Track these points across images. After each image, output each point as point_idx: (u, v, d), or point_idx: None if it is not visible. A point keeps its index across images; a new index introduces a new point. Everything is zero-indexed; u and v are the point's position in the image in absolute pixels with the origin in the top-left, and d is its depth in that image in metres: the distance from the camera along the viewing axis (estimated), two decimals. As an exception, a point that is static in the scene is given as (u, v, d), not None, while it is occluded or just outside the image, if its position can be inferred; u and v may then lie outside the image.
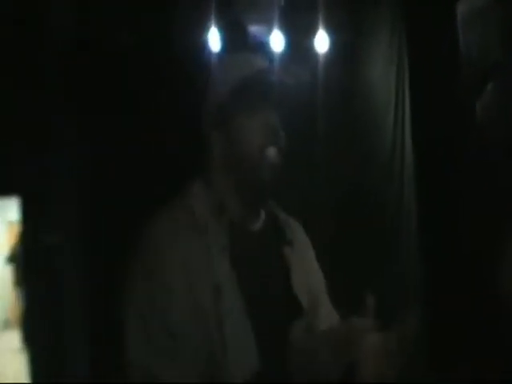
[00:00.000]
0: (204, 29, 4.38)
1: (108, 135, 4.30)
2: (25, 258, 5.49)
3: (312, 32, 4.61)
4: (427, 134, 4.68)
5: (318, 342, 1.23)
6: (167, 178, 2.98)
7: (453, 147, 4.48)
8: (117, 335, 1.28)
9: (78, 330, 4.08)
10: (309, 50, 4.69)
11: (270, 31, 4.60)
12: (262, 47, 4.65)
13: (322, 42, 4.64)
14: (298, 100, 4.96)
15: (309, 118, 4.76)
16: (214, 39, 4.45)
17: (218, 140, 1.34)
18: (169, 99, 4.23)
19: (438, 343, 4.52)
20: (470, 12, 4.22)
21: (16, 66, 4.36)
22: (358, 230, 4.88)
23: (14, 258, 8.33)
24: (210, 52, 4.47)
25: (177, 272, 1.23)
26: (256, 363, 1.21)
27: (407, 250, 4.92)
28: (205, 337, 1.20)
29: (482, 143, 3.74)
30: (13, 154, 4.68)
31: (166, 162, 4.03)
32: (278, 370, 1.24)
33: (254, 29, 4.70)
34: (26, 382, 4.75)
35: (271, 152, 1.33)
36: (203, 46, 4.40)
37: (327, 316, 1.44)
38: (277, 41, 4.59)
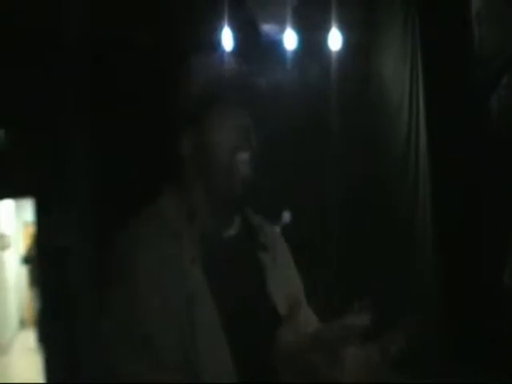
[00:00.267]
0: (217, 28, 4.39)
1: (119, 137, 4.32)
2: (39, 258, 5.53)
3: (325, 30, 4.60)
4: (441, 128, 4.65)
5: (307, 343, 1.19)
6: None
7: (467, 141, 4.46)
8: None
9: (91, 330, 4.07)
10: (322, 48, 4.68)
11: (283, 30, 4.59)
12: (275, 46, 4.64)
13: (335, 40, 4.63)
14: (312, 97, 4.95)
15: (323, 114, 4.75)
16: (227, 39, 4.45)
17: (188, 144, 1.28)
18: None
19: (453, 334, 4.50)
20: (485, 7, 4.20)
21: (30, 69, 4.40)
22: (373, 222, 4.87)
23: (29, 259, 8.41)
24: (223, 52, 4.47)
25: (148, 282, 1.19)
26: (232, 373, 1.18)
27: (422, 243, 4.91)
28: (179, 347, 1.17)
29: (496, 136, 3.72)
30: (28, 157, 4.72)
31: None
32: (257, 378, 1.23)
33: (267, 28, 4.70)
34: (41, 380, 4.78)
35: (243, 157, 1.26)
36: (216, 45, 4.41)
37: (307, 322, 1.36)
38: (290, 39, 4.59)
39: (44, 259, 5.00)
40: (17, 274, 9.91)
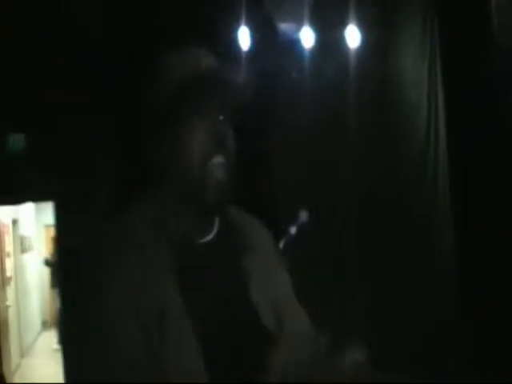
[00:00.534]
0: (235, 27, 4.39)
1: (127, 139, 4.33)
2: (60, 260, 5.57)
3: (343, 28, 4.58)
4: (461, 124, 4.62)
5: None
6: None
7: (487, 136, 4.42)
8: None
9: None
10: (339, 46, 4.66)
11: (300, 28, 4.58)
12: (293, 45, 4.63)
13: (352, 38, 4.60)
14: (330, 95, 4.91)
15: (341, 113, 4.73)
16: (244, 37, 4.44)
17: (160, 148, 1.20)
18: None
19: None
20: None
21: (48, 73, 4.44)
22: (393, 219, 4.85)
23: (50, 261, 8.49)
24: (241, 51, 4.47)
25: (117, 295, 1.13)
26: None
27: (441, 240, 4.87)
28: (150, 366, 1.11)
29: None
30: (48, 160, 4.76)
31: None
32: None
33: (285, 26, 4.68)
34: (63, 381, 4.81)
35: (217, 162, 1.17)
36: (234, 44, 4.41)
37: (295, 325, 1.28)
38: (307, 37, 4.57)
39: (65, 261, 5.04)
40: (39, 276, 10.01)
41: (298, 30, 4.59)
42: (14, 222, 7.99)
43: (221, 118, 1.19)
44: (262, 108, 4.86)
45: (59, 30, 4.40)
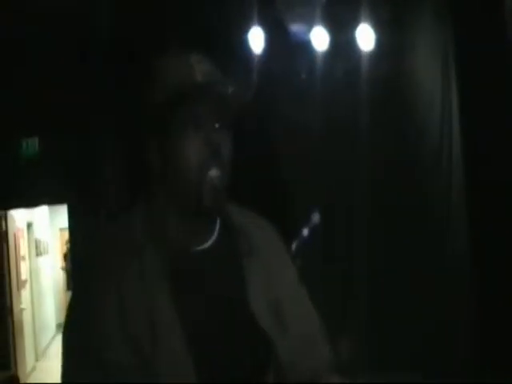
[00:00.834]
0: (246, 28, 4.38)
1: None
2: (74, 263, 5.59)
3: (355, 28, 4.56)
4: (475, 122, 4.58)
5: None
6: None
7: (502, 134, 4.38)
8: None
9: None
10: (352, 46, 4.64)
11: (312, 28, 4.56)
12: (305, 45, 4.62)
13: (365, 38, 4.58)
14: (343, 95, 4.88)
15: (354, 112, 4.71)
16: (256, 39, 4.44)
17: (156, 155, 1.18)
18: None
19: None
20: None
21: (62, 78, 4.46)
22: (407, 220, 4.83)
23: (66, 264, 8.53)
24: (252, 52, 4.46)
25: (110, 302, 1.12)
26: None
27: (456, 238, 4.84)
28: (140, 376, 1.09)
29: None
30: (62, 164, 4.78)
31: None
32: None
33: (296, 27, 4.67)
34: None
35: (213, 174, 1.15)
36: (245, 45, 4.41)
37: (299, 328, 1.25)
38: (319, 38, 4.55)
39: (79, 263, 5.05)
40: (53, 279, 10.06)
41: (310, 30, 4.58)
42: (29, 225, 8.03)
43: (216, 126, 1.16)
44: (274, 108, 4.86)
45: (65, 33, 4.42)
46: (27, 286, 7.17)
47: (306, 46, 4.64)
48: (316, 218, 3.36)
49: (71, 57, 4.44)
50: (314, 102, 4.68)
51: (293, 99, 4.72)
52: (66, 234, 6.60)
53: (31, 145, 5.04)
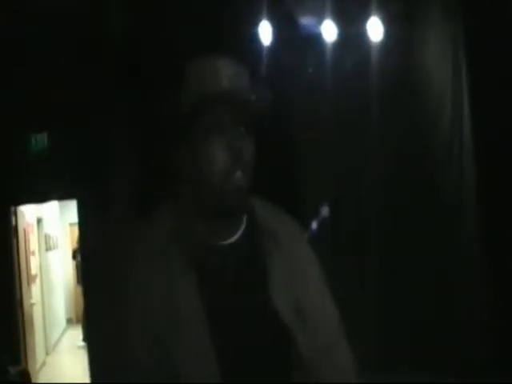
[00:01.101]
0: (256, 22, 4.37)
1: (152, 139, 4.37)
2: (84, 258, 5.60)
3: (365, 21, 4.53)
4: (486, 116, 4.54)
5: None
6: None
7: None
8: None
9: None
10: (361, 39, 4.61)
11: (321, 21, 4.54)
12: (315, 38, 4.59)
13: (375, 31, 4.55)
14: (355, 88, 4.87)
15: (365, 106, 4.69)
16: (265, 32, 4.41)
17: (183, 156, 1.22)
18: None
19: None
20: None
21: (71, 73, 4.46)
22: (418, 212, 4.81)
23: (76, 259, 8.56)
24: (261, 46, 4.45)
25: (136, 299, 1.17)
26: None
27: (468, 232, 4.82)
28: (165, 371, 1.14)
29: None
30: (72, 159, 4.79)
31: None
32: None
33: (306, 20, 4.64)
34: (88, 378, 4.83)
35: (236, 177, 1.18)
36: (255, 39, 4.39)
37: (319, 327, 1.27)
38: (329, 31, 4.52)
39: (89, 259, 5.06)
40: (63, 274, 10.10)
41: (320, 23, 4.56)
42: (39, 220, 8.06)
43: (240, 130, 1.19)
44: (286, 101, 4.84)
45: (81, 33, 4.43)
46: (37, 280, 7.20)
47: (317, 39, 4.62)
48: (325, 210, 3.36)
49: (78, 54, 4.44)
50: (325, 95, 4.66)
51: (303, 93, 4.70)
52: (76, 229, 6.61)
53: (41, 140, 5.05)
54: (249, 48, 4.36)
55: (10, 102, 4.55)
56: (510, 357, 4.21)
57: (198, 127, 1.18)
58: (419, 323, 4.62)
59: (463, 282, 4.76)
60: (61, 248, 9.99)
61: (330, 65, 4.65)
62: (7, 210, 5.43)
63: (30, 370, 5.47)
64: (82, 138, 4.70)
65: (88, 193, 4.82)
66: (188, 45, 4.15)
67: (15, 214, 5.63)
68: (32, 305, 6.37)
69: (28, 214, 6.73)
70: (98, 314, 4.36)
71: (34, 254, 7.08)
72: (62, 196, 5.99)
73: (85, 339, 7.26)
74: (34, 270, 6.89)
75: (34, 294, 6.65)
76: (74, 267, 9.42)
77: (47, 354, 7.82)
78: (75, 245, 9.19)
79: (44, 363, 7.29)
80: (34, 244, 7.20)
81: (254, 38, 4.42)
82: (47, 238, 8.74)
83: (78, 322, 9.14)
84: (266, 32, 4.44)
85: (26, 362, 5.48)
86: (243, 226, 1.26)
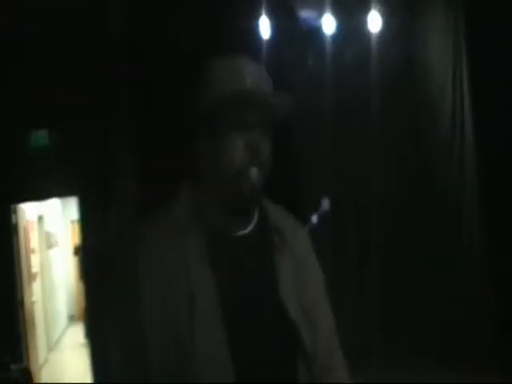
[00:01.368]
0: (255, 17, 4.36)
1: (158, 138, 4.36)
2: (85, 255, 5.60)
3: (365, 14, 4.52)
4: (487, 109, 4.53)
5: None
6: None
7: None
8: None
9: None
10: (361, 32, 4.59)
11: (321, 15, 4.52)
12: (314, 31, 4.58)
13: (375, 23, 4.53)
14: (355, 81, 4.86)
15: (364, 99, 4.68)
16: (264, 27, 4.40)
17: (202, 150, 1.28)
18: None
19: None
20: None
21: (74, 70, 4.45)
22: (419, 210, 4.81)
23: (77, 256, 8.55)
24: (261, 40, 4.43)
25: (150, 280, 1.21)
26: (230, 374, 1.18)
27: (469, 227, 4.82)
28: (177, 349, 1.17)
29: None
30: (72, 156, 4.78)
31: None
32: (257, 379, 1.20)
33: (306, 13, 4.63)
34: (90, 375, 4.83)
35: (252, 172, 1.23)
36: (254, 34, 4.38)
37: (321, 333, 1.32)
38: (329, 24, 4.51)
39: (91, 256, 5.06)
40: (65, 271, 10.10)
41: (320, 17, 4.54)
42: (40, 218, 8.05)
43: (260, 129, 1.24)
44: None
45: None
46: (38, 278, 7.19)
47: (317, 33, 4.61)
48: (326, 205, 3.34)
49: (80, 51, 4.44)
50: (326, 89, 4.65)
51: (304, 87, 4.69)
52: (77, 227, 6.60)
53: (41, 137, 5.04)
54: (249, 42, 4.36)
55: (10, 101, 4.54)
56: (510, 357, 4.22)
57: (220, 123, 1.23)
58: (420, 313, 4.64)
59: (466, 274, 4.76)
60: (62, 245, 9.98)
61: (332, 58, 4.64)
62: (8, 207, 5.42)
63: (32, 367, 5.47)
64: (83, 136, 4.69)
65: (89, 190, 4.82)
66: (189, 43, 4.15)
67: (15, 211, 5.62)
68: (33, 303, 6.36)
69: (29, 211, 6.72)
70: (99, 310, 4.36)
71: (34, 251, 7.06)
72: (63, 193, 5.98)
73: (86, 336, 7.26)
74: (34, 267, 6.88)
75: (35, 292, 6.64)
76: (77, 263, 9.41)
77: (49, 351, 7.82)
78: (77, 242, 9.19)
79: (46, 360, 7.29)
80: (34, 242, 7.18)
81: (254, 32, 4.41)
82: (48, 235, 8.73)
83: (80, 319, 9.14)
84: (265, 26, 4.42)
85: (28, 360, 5.48)
86: (255, 221, 1.31)
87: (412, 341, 4.58)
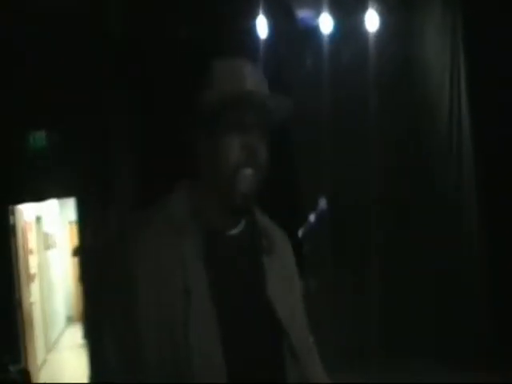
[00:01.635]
0: (252, 16, 4.36)
1: (157, 138, 4.36)
2: (84, 256, 5.59)
3: (362, 13, 4.52)
4: (485, 107, 4.54)
5: None
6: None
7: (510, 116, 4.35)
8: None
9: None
10: (358, 31, 4.59)
11: (319, 14, 4.52)
12: (312, 31, 4.58)
13: (372, 22, 4.53)
14: (353, 81, 4.87)
15: (362, 98, 4.68)
16: (262, 26, 4.40)
17: (201, 150, 1.30)
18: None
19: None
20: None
21: (72, 72, 4.45)
22: (418, 209, 4.81)
23: (76, 257, 8.53)
24: (258, 40, 4.43)
25: (147, 278, 1.21)
26: (223, 372, 1.20)
27: (468, 221, 4.82)
28: (172, 347, 1.18)
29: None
30: (70, 156, 4.78)
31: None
32: (249, 378, 1.23)
33: (303, 13, 4.62)
34: (87, 376, 4.82)
35: (247, 172, 1.25)
36: (251, 33, 4.37)
37: (300, 331, 1.37)
38: (326, 23, 4.51)
39: (89, 256, 5.05)
40: (63, 272, 10.08)
41: (318, 16, 4.54)
42: (38, 218, 8.04)
43: (257, 132, 1.26)
44: (284, 94, 4.83)
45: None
46: (36, 279, 7.18)
47: (315, 32, 4.61)
48: (323, 205, 3.34)
49: (80, 51, 4.43)
50: (324, 89, 4.65)
51: (302, 86, 4.69)
52: (75, 227, 6.59)
53: (40, 138, 5.03)
54: (246, 41, 4.36)
55: (9, 101, 4.54)
56: (510, 356, 4.22)
57: (219, 124, 1.24)
58: (419, 314, 4.64)
59: (465, 274, 4.76)
60: (60, 246, 9.96)
61: (330, 58, 4.64)
62: (6, 208, 5.41)
63: (31, 368, 5.46)
64: (82, 136, 4.69)
65: (87, 191, 4.82)
66: (188, 43, 4.15)
67: (13, 212, 5.61)
68: (31, 303, 6.35)
69: (27, 212, 6.71)
70: (97, 311, 4.35)
71: (32, 252, 7.05)
72: (61, 194, 5.97)
73: (85, 337, 7.25)
74: (33, 268, 6.87)
75: (33, 293, 6.63)
76: (75, 264, 9.39)
77: (48, 351, 7.81)
78: (75, 243, 9.17)
79: (45, 361, 7.28)
80: (32, 243, 7.17)
81: (252, 32, 4.41)
82: (47, 236, 8.72)
83: (78, 319, 9.12)
84: (263, 25, 4.42)
85: (27, 361, 5.47)
86: (244, 222, 1.33)
87: (412, 341, 4.58)
